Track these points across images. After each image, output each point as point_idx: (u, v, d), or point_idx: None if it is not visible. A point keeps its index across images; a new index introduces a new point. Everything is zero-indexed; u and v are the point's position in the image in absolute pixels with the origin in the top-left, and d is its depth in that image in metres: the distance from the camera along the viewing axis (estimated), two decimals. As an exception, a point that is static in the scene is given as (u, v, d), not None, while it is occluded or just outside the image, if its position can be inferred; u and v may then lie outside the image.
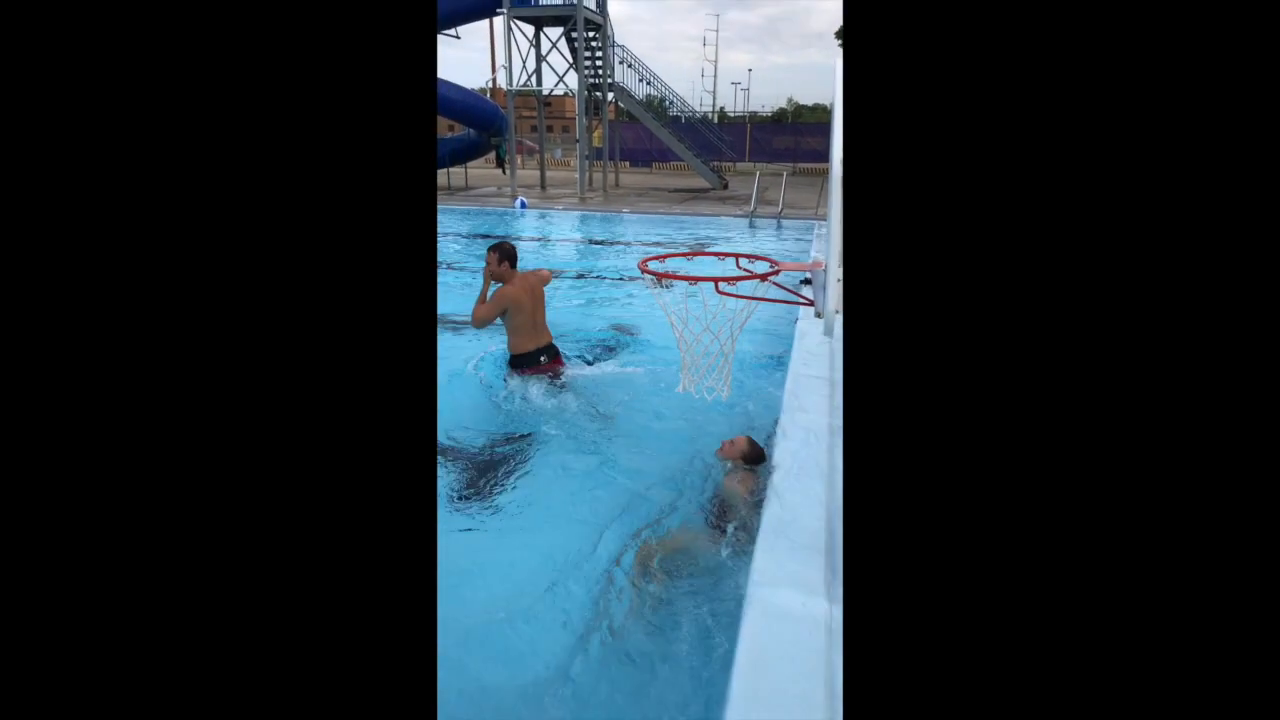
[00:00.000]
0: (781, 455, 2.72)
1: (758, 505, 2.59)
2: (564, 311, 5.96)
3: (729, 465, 2.79)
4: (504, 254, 3.74)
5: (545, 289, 3.91)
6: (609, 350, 4.93)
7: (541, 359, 3.82)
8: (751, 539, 2.15)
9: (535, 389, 3.76)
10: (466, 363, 4.30)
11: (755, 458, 2.80)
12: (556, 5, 14.75)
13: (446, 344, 4.67)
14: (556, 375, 3.81)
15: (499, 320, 3.74)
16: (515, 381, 3.80)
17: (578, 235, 11.32)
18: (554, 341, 3.91)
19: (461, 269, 7.73)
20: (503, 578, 2.44)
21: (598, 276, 7.72)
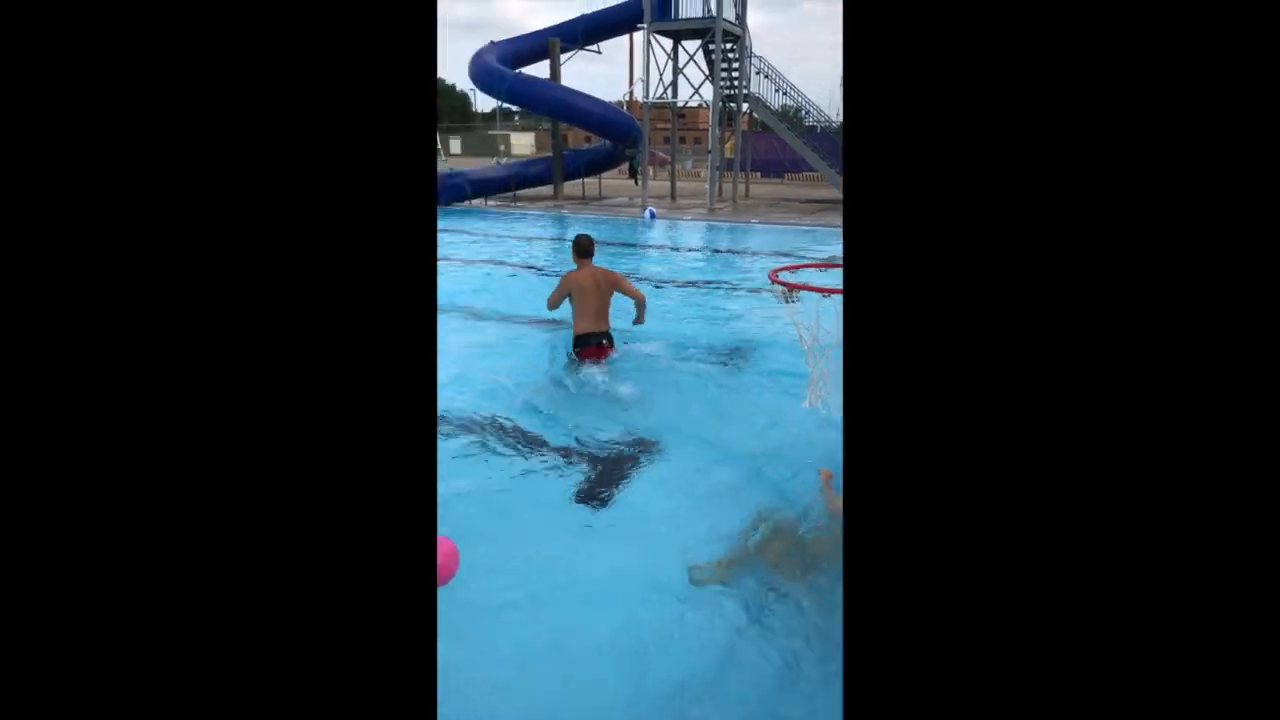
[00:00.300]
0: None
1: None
2: (684, 322, 5.99)
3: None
4: (575, 245, 4.41)
5: (631, 298, 4.43)
6: (728, 361, 4.90)
7: (594, 343, 4.29)
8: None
9: (625, 386, 4.07)
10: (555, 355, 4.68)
11: None
12: (696, 19, 14.92)
13: (537, 337, 4.98)
14: (601, 359, 4.31)
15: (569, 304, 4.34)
16: (582, 367, 4.30)
17: (703, 245, 11.35)
18: (610, 332, 4.38)
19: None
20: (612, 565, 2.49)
21: (720, 286, 7.70)
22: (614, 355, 4.37)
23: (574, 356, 4.36)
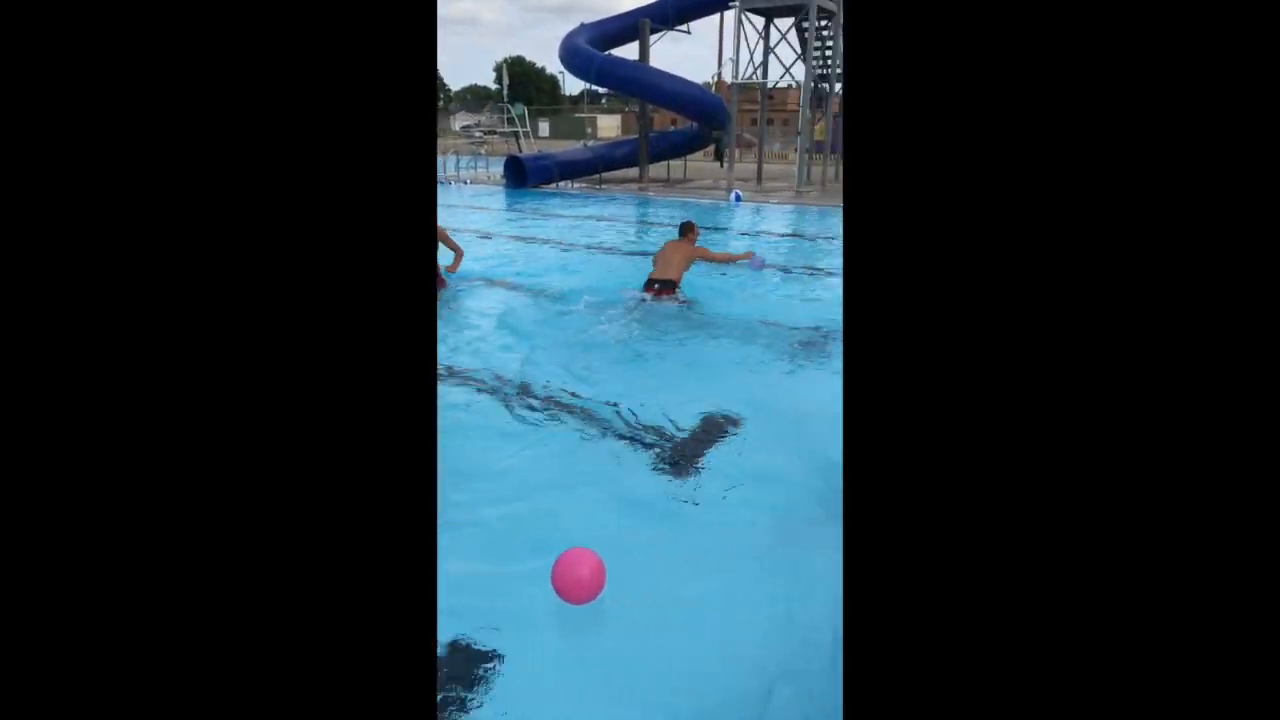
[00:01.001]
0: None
1: None
2: (766, 304, 5.88)
3: None
4: (681, 225, 6.03)
5: (702, 261, 5.92)
6: (808, 347, 4.77)
7: (652, 285, 5.51)
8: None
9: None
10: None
11: None
12: (790, -5, 14.49)
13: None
14: (651, 297, 5.44)
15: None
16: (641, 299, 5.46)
17: (789, 228, 11.07)
18: (670, 280, 5.49)
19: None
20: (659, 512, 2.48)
21: (807, 270, 7.49)
22: (676, 298, 5.48)
23: (640, 292, 5.53)
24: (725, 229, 10.60)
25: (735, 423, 3.50)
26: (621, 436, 3.38)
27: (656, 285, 5.47)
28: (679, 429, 3.44)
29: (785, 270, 7.44)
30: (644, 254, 7.82)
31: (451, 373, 4.13)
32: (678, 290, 5.51)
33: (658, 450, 3.25)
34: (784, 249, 9.15)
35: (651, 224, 11.13)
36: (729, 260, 6.46)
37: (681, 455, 3.21)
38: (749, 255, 6.66)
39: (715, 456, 3.20)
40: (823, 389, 3.97)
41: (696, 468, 3.10)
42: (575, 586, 2.02)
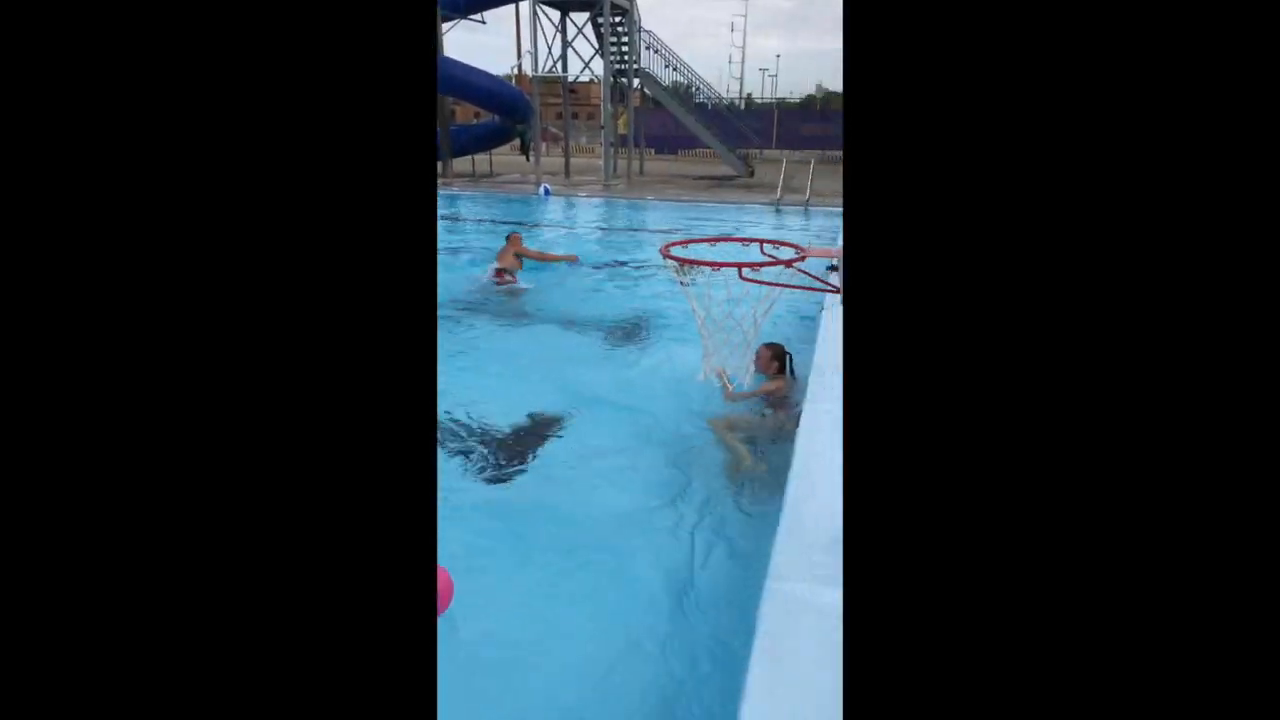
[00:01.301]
0: (802, 446, 2.67)
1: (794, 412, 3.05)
2: (582, 297, 5.95)
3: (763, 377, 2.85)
4: (508, 235, 6.88)
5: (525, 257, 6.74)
6: (627, 336, 4.91)
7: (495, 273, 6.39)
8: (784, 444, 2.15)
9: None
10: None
11: (780, 355, 2.93)
12: (583, -10, 14.66)
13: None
14: (498, 283, 6.26)
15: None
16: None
17: (600, 222, 11.28)
18: (506, 269, 6.38)
19: (477, 250, 7.76)
20: (512, 556, 2.44)
21: (617, 264, 7.68)
22: (511, 283, 6.29)
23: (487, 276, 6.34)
24: (537, 224, 10.54)
25: (560, 420, 3.51)
26: (449, 438, 3.25)
27: (498, 270, 6.46)
28: (501, 428, 3.38)
29: (611, 265, 7.58)
30: (453, 251, 7.64)
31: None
32: (514, 275, 6.49)
33: (483, 452, 3.17)
34: (597, 242, 9.30)
35: (462, 220, 10.76)
36: (544, 258, 7.10)
37: (507, 454, 3.16)
38: (572, 258, 7.34)
39: (548, 451, 3.18)
40: (649, 378, 4.10)
41: (521, 468, 3.07)
42: None
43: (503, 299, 6.01)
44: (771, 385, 3.35)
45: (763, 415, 3.26)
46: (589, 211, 12.34)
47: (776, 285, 1.99)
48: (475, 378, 4.04)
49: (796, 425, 3.39)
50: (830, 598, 1.81)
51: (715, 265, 1.96)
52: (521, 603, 2.20)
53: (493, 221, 10.45)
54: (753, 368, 2.27)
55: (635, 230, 10.14)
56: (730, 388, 2.08)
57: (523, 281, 6.37)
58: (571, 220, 11.36)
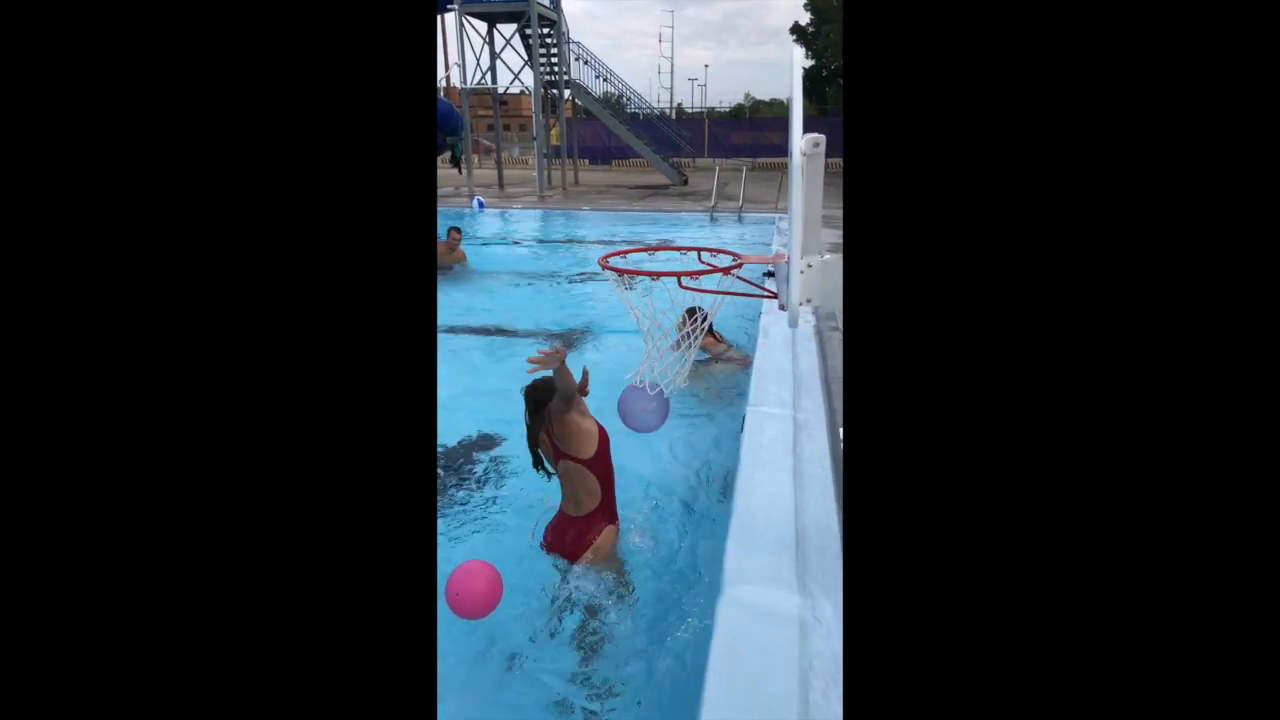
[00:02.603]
0: (748, 451, 2.71)
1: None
2: (523, 310, 5.89)
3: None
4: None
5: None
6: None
7: None
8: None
9: None
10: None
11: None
12: (509, 1, 14.58)
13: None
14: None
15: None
16: None
17: (536, 234, 11.21)
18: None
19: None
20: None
21: (558, 274, 7.65)
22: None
23: None
24: (473, 237, 10.39)
25: (497, 432, 3.46)
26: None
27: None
28: (447, 439, 3.31)
29: (546, 277, 7.53)
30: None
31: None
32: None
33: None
34: (536, 252, 9.23)
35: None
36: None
37: (451, 457, 3.09)
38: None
39: (496, 457, 3.13)
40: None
41: (470, 470, 3.00)
42: (472, 599, 1.91)
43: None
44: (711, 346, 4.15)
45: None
46: (525, 223, 12.25)
47: (716, 293, 2.02)
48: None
49: (743, 365, 3.72)
50: (783, 600, 1.83)
51: (655, 275, 1.97)
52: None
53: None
54: (690, 359, 2.30)
55: (572, 242, 10.11)
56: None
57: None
58: (507, 232, 11.24)
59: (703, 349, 4.13)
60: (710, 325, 3.42)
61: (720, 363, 4.34)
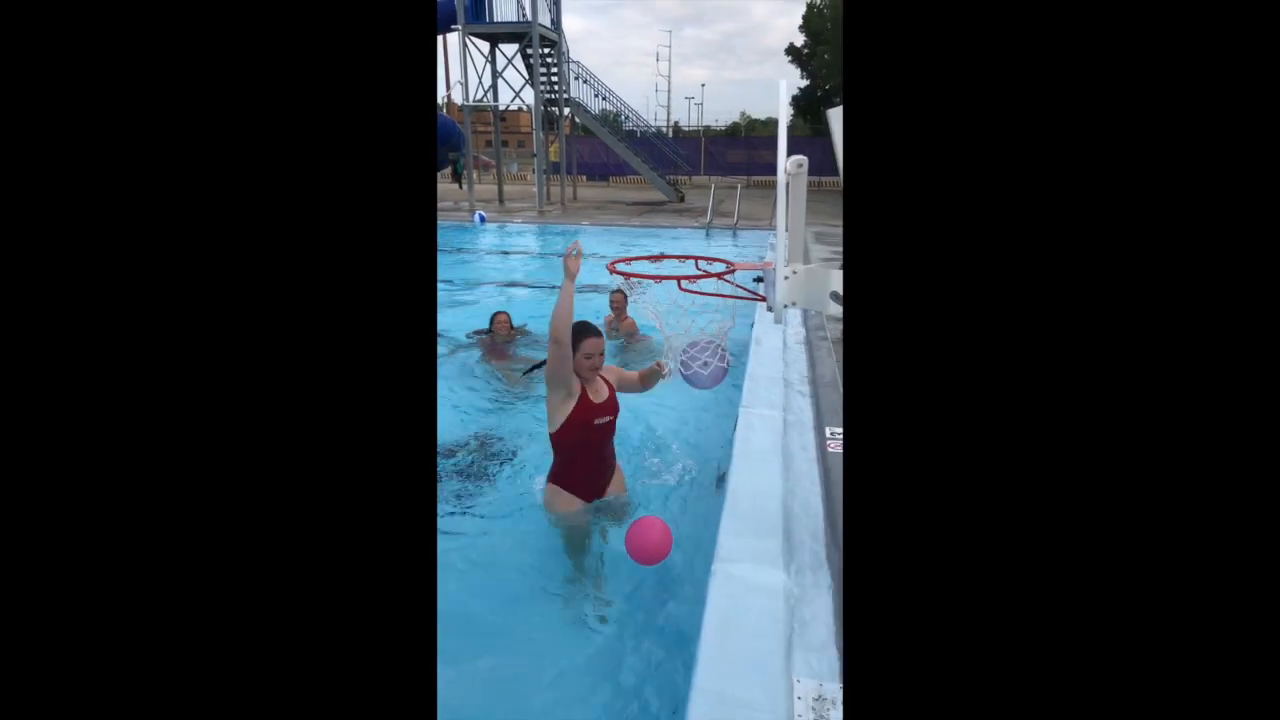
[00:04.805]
0: (741, 445, 2.91)
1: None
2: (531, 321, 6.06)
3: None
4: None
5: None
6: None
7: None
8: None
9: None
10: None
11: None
12: (511, 22, 14.91)
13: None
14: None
15: None
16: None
17: (537, 248, 11.41)
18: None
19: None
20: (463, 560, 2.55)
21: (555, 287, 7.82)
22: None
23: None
24: (475, 250, 10.59)
25: (500, 432, 3.63)
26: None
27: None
28: (447, 441, 3.47)
29: (535, 287, 7.69)
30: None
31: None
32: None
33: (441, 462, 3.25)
34: (535, 267, 9.42)
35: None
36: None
37: (448, 454, 3.25)
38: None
39: (497, 454, 3.29)
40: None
41: (473, 468, 3.17)
42: (651, 546, 2.16)
43: None
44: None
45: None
46: (525, 238, 12.46)
47: (711, 295, 2.24)
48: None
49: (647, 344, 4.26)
50: (771, 577, 2.01)
51: (657, 278, 2.20)
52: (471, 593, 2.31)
53: (428, 249, 10.39)
54: (671, 357, 2.50)
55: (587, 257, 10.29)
56: (666, 371, 2.38)
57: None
58: (508, 246, 11.45)
59: (621, 335, 5.10)
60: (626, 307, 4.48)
61: (634, 349, 5.09)
